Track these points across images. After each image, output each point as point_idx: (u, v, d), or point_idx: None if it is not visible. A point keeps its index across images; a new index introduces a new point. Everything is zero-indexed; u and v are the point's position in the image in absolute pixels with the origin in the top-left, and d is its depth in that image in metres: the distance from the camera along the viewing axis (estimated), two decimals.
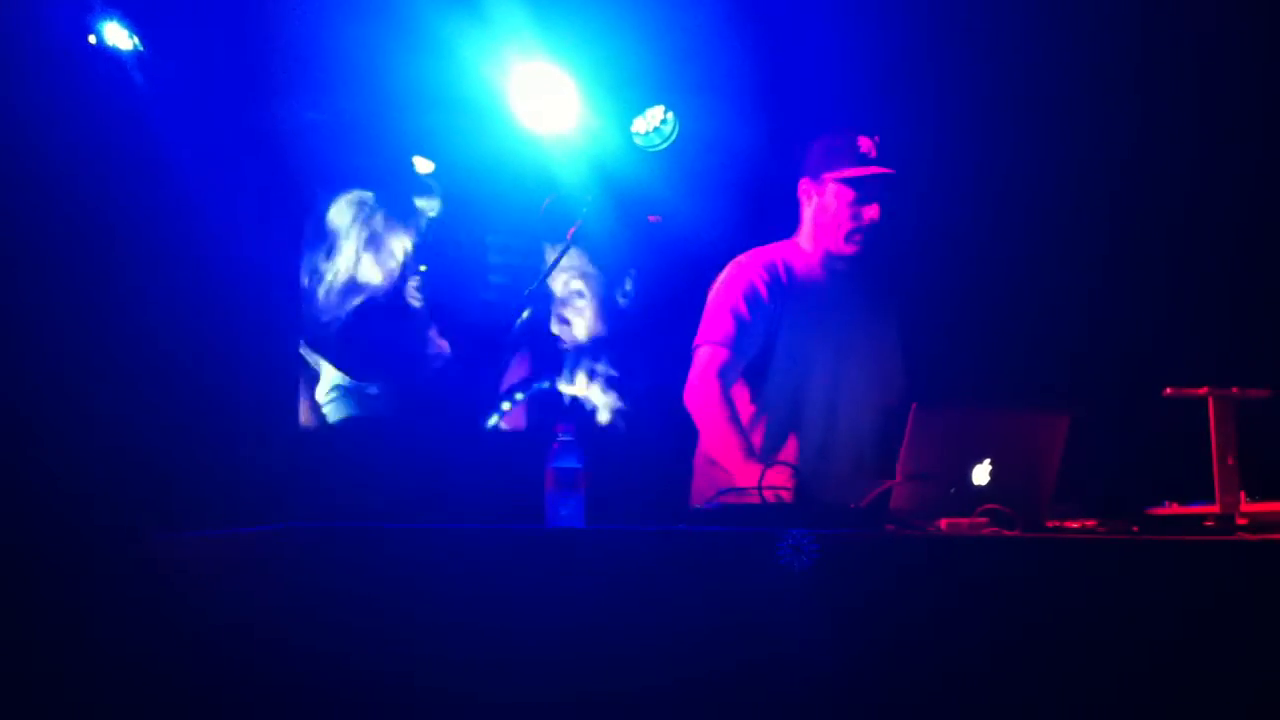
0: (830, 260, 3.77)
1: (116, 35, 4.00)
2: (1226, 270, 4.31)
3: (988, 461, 2.96)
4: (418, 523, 2.55)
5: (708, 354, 3.67)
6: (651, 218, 3.84)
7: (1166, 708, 2.62)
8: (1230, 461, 3.10)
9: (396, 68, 4.27)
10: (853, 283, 3.79)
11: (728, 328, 3.67)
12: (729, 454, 3.51)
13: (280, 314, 4.12)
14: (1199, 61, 4.31)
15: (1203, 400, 3.13)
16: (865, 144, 3.69)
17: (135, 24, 4.01)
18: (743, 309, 3.68)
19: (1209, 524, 2.98)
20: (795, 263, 3.78)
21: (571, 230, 3.34)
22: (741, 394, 3.70)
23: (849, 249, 3.72)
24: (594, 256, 3.63)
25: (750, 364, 3.69)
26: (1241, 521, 3.00)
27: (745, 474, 3.31)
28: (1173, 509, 3.14)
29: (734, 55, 4.36)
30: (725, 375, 3.65)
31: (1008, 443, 2.99)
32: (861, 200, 3.68)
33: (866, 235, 3.70)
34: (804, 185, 3.79)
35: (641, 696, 2.41)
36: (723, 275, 3.79)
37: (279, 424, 3.99)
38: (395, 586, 2.39)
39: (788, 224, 3.88)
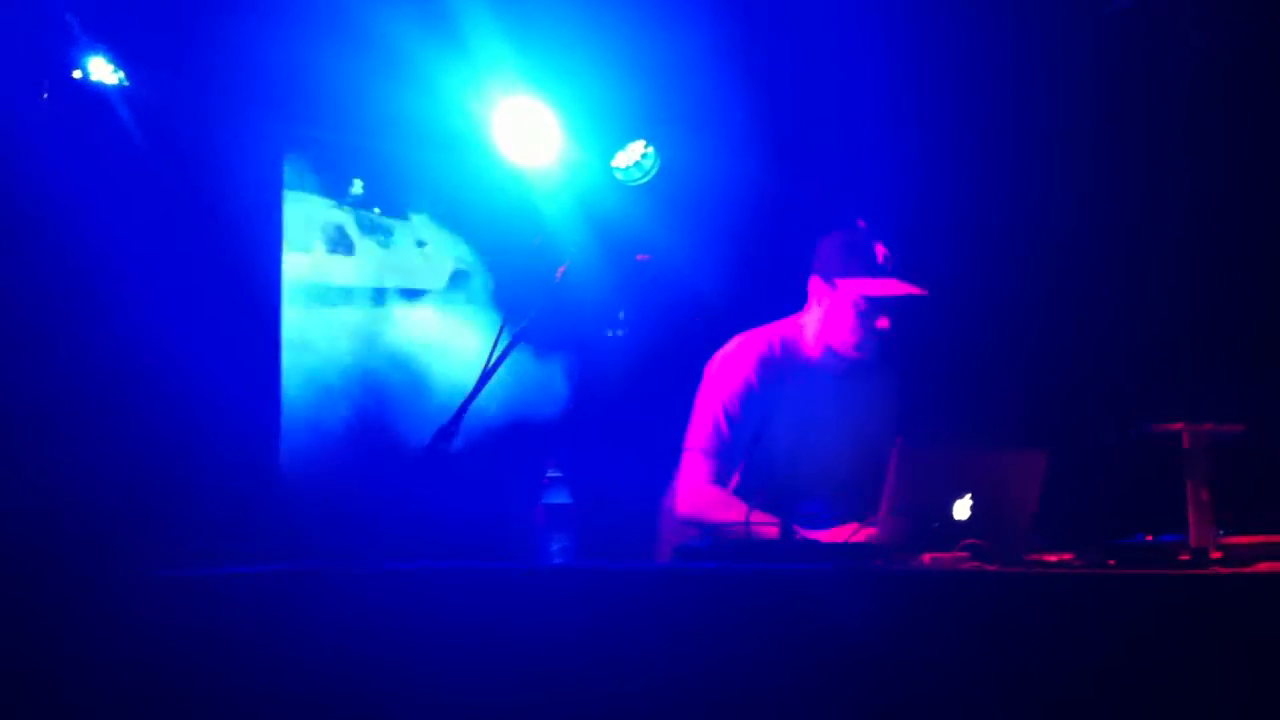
0: (831, 358, 3.75)
1: (102, 70, 4.02)
2: (1200, 307, 4.38)
3: (969, 497, 3.02)
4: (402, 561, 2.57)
5: (697, 463, 3.66)
6: (640, 256, 3.87)
7: None
8: (1204, 496, 3.15)
9: (382, 101, 4.30)
10: (851, 381, 3.77)
11: (721, 434, 3.65)
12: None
13: (263, 347, 4.14)
14: (1162, 99, 4.38)
15: (1177, 435, 3.20)
16: (882, 252, 3.66)
17: (121, 59, 4.04)
18: (736, 410, 3.66)
19: (1184, 558, 3.03)
20: (794, 351, 3.77)
21: (561, 270, 3.37)
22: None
23: (855, 355, 3.71)
24: (582, 295, 3.67)
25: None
26: (1216, 555, 3.05)
27: None
28: (1146, 541, 3.20)
29: (715, 89, 4.40)
30: (718, 482, 3.64)
31: (988, 479, 3.05)
32: (873, 312, 3.65)
33: (875, 345, 3.69)
34: (815, 283, 3.76)
35: None
36: (719, 360, 3.76)
37: (257, 462, 4.00)
38: (383, 628, 2.41)
39: (771, 261, 3.91)
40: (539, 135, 4.29)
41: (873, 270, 3.64)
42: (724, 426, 3.66)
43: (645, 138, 4.33)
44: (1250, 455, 3.32)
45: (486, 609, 2.45)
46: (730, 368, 3.73)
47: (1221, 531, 3.14)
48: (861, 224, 3.74)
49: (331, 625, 2.43)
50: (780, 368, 3.73)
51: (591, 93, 4.33)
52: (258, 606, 2.50)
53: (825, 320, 3.73)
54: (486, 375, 3.15)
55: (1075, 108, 4.41)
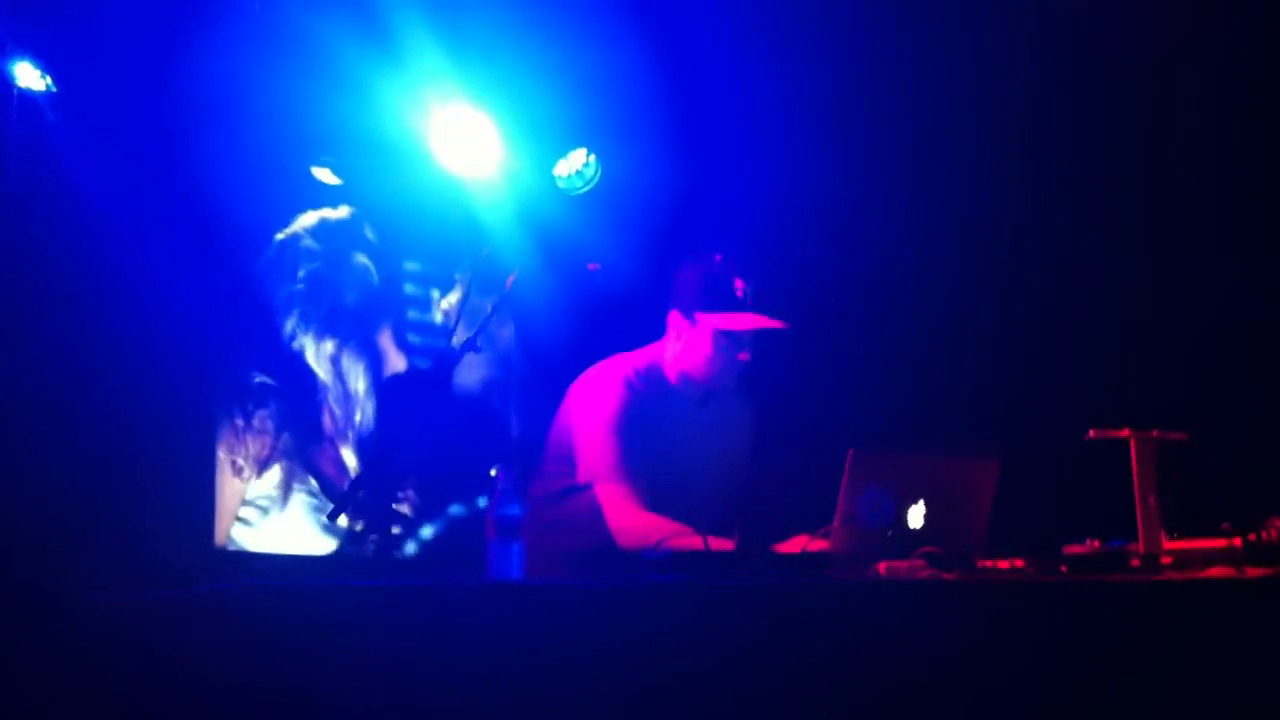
0: (689, 386, 3.77)
1: (28, 76, 3.92)
2: (1145, 316, 4.44)
3: (922, 504, 3.03)
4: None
5: (614, 494, 3.56)
6: (591, 265, 3.84)
7: None
8: (1151, 501, 3.19)
9: (315, 109, 4.23)
10: (709, 407, 3.80)
11: (622, 457, 3.60)
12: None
13: (201, 363, 4.04)
14: (1118, 104, 4.43)
15: (1124, 442, 3.23)
16: (740, 286, 3.65)
17: (47, 65, 3.93)
18: (624, 431, 3.63)
19: (1136, 564, 3.06)
20: (655, 377, 3.77)
21: (510, 279, 3.33)
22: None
23: (714, 386, 3.74)
24: (527, 303, 3.64)
25: None
26: (1166, 560, 3.08)
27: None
28: (1094, 546, 3.23)
29: (654, 97, 4.38)
30: (644, 505, 3.57)
31: (942, 486, 3.06)
32: (733, 347, 3.67)
33: (734, 376, 3.72)
34: (674, 318, 3.77)
35: None
36: (590, 388, 3.73)
37: (201, 483, 3.92)
38: (335, 646, 2.36)
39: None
40: (478, 144, 4.23)
41: (732, 304, 3.64)
42: (621, 449, 3.62)
43: (586, 146, 4.30)
44: (1193, 460, 3.36)
45: (449, 627, 2.41)
46: (605, 393, 3.71)
47: (1167, 535, 3.18)
48: (718, 258, 3.73)
49: (273, 644, 2.37)
50: (642, 394, 3.72)
51: (530, 102, 4.29)
52: (202, 627, 2.44)
53: (684, 353, 3.75)
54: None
55: (1014, 112, 4.44)
